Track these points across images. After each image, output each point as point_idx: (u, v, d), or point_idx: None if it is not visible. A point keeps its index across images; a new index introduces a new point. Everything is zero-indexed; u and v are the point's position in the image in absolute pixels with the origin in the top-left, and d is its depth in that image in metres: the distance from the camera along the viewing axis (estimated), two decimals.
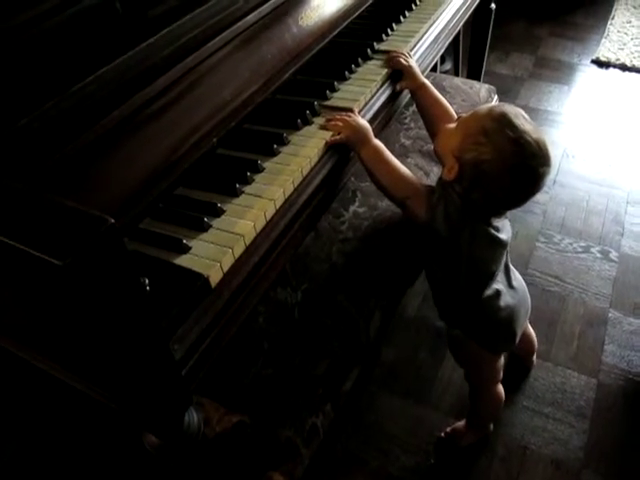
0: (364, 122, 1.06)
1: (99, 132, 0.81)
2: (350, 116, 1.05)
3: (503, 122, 0.97)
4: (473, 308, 1.14)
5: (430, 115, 1.22)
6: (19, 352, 0.80)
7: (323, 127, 1.03)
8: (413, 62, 1.22)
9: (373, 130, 1.10)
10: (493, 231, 1.06)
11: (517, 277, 1.22)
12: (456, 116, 1.18)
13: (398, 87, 1.20)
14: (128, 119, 0.86)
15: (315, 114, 1.07)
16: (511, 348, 1.25)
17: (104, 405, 0.76)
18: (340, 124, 1.03)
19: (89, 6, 0.84)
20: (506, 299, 1.14)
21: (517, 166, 0.96)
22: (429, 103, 1.22)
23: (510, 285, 1.17)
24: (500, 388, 1.33)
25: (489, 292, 1.11)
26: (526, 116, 1.01)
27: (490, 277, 1.11)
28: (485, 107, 1.04)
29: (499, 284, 1.14)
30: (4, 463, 1.20)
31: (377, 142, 1.06)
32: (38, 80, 0.78)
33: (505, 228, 1.10)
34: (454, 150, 1.01)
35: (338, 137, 1.02)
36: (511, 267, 1.20)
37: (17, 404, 1.20)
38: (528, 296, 1.24)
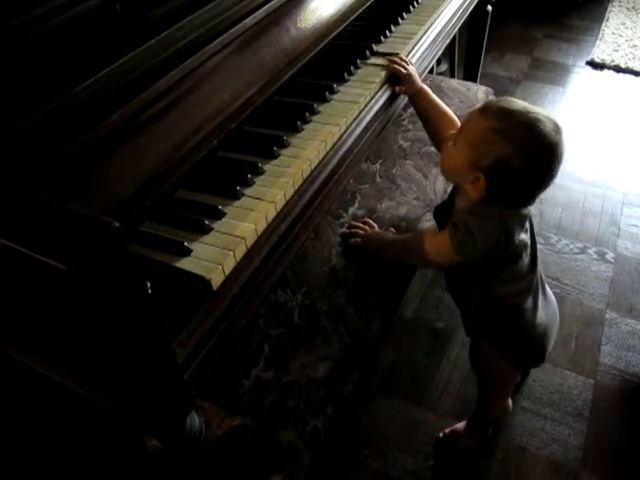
0: (380, 232, 1.26)
1: (99, 135, 0.81)
2: (366, 228, 1.26)
3: (504, 113, 0.95)
4: (508, 323, 1.12)
5: (430, 120, 1.22)
6: (20, 356, 0.80)
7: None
8: (412, 69, 1.22)
9: (372, 132, 1.11)
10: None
11: (549, 294, 1.20)
12: (457, 119, 1.18)
13: (397, 90, 1.20)
14: (128, 122, 0.85)
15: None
16: (539, 365, 1.24)
17: (106, 409, 0.76)
18: (361, 232, 1.25)
19: (89, 8, 0.83)
20: (542, 316, 1.12)
21: (540, 147, 0.93)
22: (428, 108, 1.21)
23: (541, 298, 1.14)
24: (510, 401, 1.34)
25: (528, 304, 1.10)
26: (517, 100, 0.98)
27: (522, 273, 1.08)
28: (476, 110, 1.01)
29: (537, 297, 1.12)
30: (4, 466, 1.19)
31: (381, 234, 1.24)
32: (38, 83, 0.78)
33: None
34: (469, 163, 0.98)
35: (355, 240, 1.24)
36: (542, 278, 1.17)
37: (17, 406, 1.20)
38: (557, 309, 1.21)
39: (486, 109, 0.98)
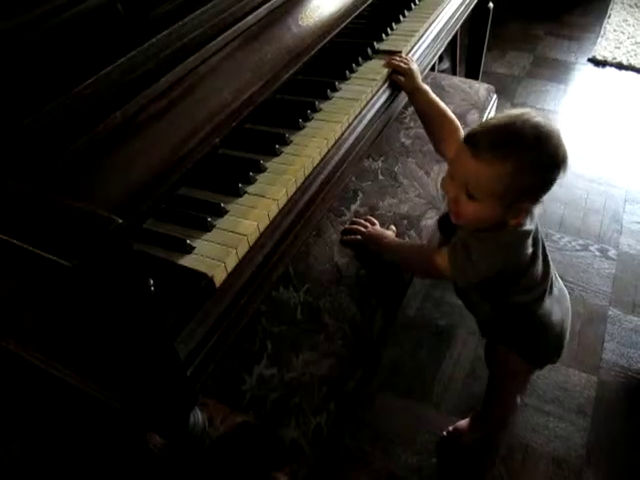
0: (380, 230, 1.25)
1: (102, 132, 0.81)
2: (367, 225, 1.26)
3: (506, 149, 0.88)
4: (526, 326, 1.10)
5: (429, 119, 1.21)
6: (23, 353, 0.80)
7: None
8: (414, 65, 1.21)
9: (374, 129, 1.11)
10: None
11: (561, 285, 1.16)
12: (456, 120, 1.16)
13: (394, 76, 1.19)
14: (130, 119, 0.86)
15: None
16: (556, 361, 1.23)
17: (109, 405, 0.76)
18: (361, 229, 1.24)
19: (91, 7, 0.84)
20: (557, 314, 1.10)
21: (548, 166, 0.91)
22: (428, 107, 1.20)
23: (556, 297, 1.12)
24: (518, 398, 1.35)
25: (544, 309, 1.08)
26: (491, 120, 0.93)
27: (537, 281, 1.05)
28: (472, 159, 0.89)
29: (551, 300, 1.09)
30: (8, 463, 1.20)
31: (382, 234, 1.22)
32: (41, 80, 0.78)
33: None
34: (502, 207, 0.92)
35: (354, 237, 1.25)
36: (555, 276, 1.14)
37: (20, 403, 1.20)
38: (570, 304, 1.18)
39: (481, 153, 0.88)
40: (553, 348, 1.16)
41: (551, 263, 1.11)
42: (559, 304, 1.13)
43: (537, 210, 1.02)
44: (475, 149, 0.89)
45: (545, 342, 1.14)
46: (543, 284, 1.07)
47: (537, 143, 0.87)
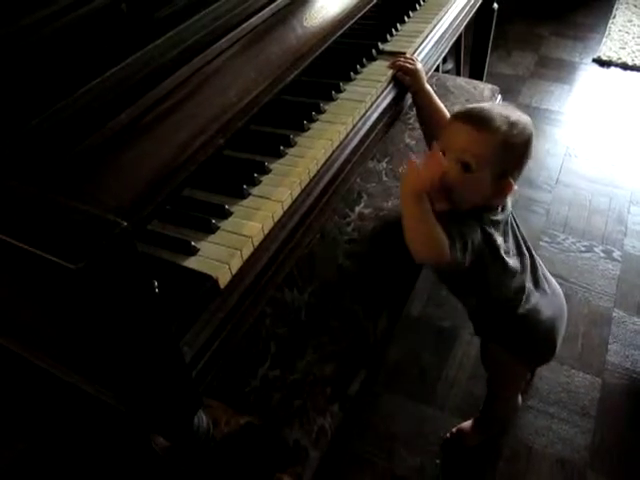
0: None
1: (107, 134, 0.81)
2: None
3: (508, 121, 1.00)
4: (513, 323, 1.11)
5: (427, 119, 1.23)
6: (28, 354, 0.80)
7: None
8: (420, 66, 1.22)
9: (379, 130, 1.11)
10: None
11: (552, 284, 1.18)
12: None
13: (400, 75, 1.20)
14: (135, 121, 0.86)
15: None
16: (549, 361, 1.24)
17: (113, 407, 0.76)
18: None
19: (96, 8, 0.84)
20: (547, 312, 1.11)
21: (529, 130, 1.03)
22: (429, 108, 1.22)
23: (545, 293, 1.13)
24: (519, 398, 1.35)
25: (528, 306, 1.09)
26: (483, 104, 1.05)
27: (513, 274, 1.07)
28: (473, 129, 0.99)
29: (535, 296, 1.11)
30: (13, 463, 1.20)
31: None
32: (47, 81, 0.78)
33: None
34: (492, 179, 0.99)
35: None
36: (544, 274, 1.16)
37: (25, 404, 1.20)
38: (564, 302, 1.19)
39: (482, 125, 0.99)
40: (544, 346, 1.17)
41: (535, 258, 1.13)
42: (549, 301, 1.14)
43: (509, 201, 1.09)
44: (477, 123, 0.99)
45: (534, 339, 1.15)
46: (519, 278, 1.09)
47: (520, 126, 1.01)
